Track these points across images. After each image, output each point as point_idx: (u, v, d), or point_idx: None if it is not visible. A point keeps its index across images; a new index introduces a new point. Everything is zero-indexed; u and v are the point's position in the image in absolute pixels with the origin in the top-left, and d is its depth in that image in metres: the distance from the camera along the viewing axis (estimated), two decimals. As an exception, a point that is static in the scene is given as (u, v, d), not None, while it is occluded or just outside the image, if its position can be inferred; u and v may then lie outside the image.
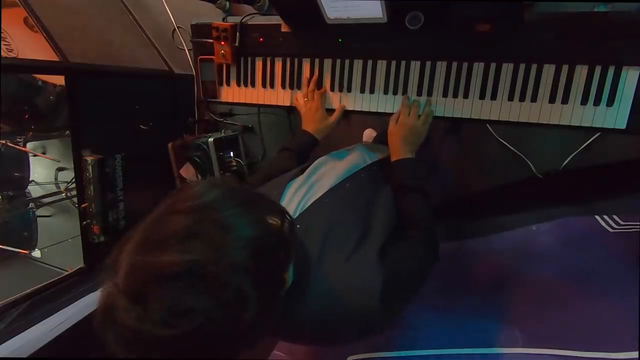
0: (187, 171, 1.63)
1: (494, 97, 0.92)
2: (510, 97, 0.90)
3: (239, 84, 1.18)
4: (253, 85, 1.16)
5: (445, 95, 0.95)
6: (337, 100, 1.06)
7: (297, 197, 0.72)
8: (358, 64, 1.03)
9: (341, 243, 0.63)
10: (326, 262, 0.61)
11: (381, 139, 1.29)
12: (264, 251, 0.43)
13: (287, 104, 1.13)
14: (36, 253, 1.72)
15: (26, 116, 1.68)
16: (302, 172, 0.82)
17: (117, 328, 0.39)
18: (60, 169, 1.81)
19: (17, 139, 1.77)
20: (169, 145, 1.61)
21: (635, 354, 0.81)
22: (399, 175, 0.86)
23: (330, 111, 1.04)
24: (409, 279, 0.66)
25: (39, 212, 1.81)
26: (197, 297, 0.38)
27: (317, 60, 1.06)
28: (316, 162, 0.84)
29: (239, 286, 0.40)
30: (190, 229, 0.40)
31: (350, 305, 0.59)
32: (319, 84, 1.07)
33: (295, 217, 0.68)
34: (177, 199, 0.44)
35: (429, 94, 0.96)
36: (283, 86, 1.12)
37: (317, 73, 1.06)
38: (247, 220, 0.43)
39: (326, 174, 0.79)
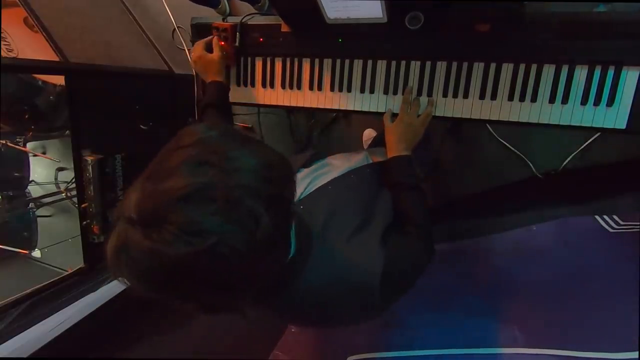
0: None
1: (494, 97, 0.92)
2: (510, 97, 0.90)
3: (239, 84, 1.18)
4: (253, 85, 1.16)
5: (445, 95, 0.95)
6: (338, 100, 1.06)
7: (303, 184, 0.74)
8: (358, 64, 1.03)
9: (344, 225, 0.64)
10: (328, 240, 0.62)
11: (381, 139, 1.30)
12: (272, 179, 0.44)
13: (287, 104, 1.13)
14: (36, 253, 1.72)
15: (26, 116, 1.68)
16: (308, 165, 0.84)
17: (132, 258, 0.39)
18: (60, 169, 1.81)
19: (17, 139, 1.77)
20: (169, 145, 1.61)
21: (635, 354, 0.81)
22: (394, 173, 0.86)
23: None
24: (406, 269, 0.67)
25: (39, 212, 1.81)
26: (209, 216, 0.38)
27: (317, 60, 1.06)
28: (322, 161, 0.86)
29: (250, 206, 0.40)
30: (198, 158, 0.41)
31: (350, 282, 0.60)
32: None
33: (299, 199, 0.70)
34: (180, 137, 0.45)
35: (429, 94, 0.96)
36: (283, 86, 1.12)
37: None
38: (253, 152, 0.44)
39: (331, 168, 0.81)
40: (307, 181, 0.75)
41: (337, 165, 0.84)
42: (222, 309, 0.46)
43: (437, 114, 0.96)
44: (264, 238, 0.41)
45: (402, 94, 0.97)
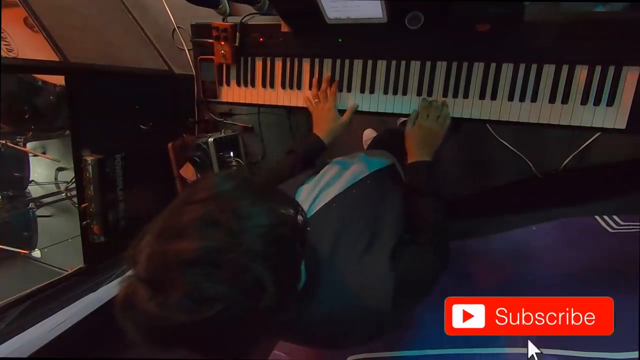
0: (187, 171, 1.63)
1: (494, 97, 0.92)
2: (510, 97, 0.90)
3: (239, 84, 1.18)
4: (253, 85, 1.16)
5: (445, 95, 0.95)
6: (339, 100, 1.06)
7: (307, 202, 0.72)
8: (358, 64, 1.03)
9: (352, 245, 0.64)
10: (338, 263, 0.61)
11: (380, 139, 1.29)
12: (280, 240, 0.44)
13: (287, 104, 1.13)
14: (36, 253, 1.73)
15: (26, 116, 1.68)
16: (310, 176, 0.82)
17: (138, 317, 0.40)
18: (60, 169, 1.81)
19: (17, 139, 1.77)
20: (169, 145, 1.61)
21: (635, 354, 0.81)
22: (414, 178, 0.85)
23: (341, 111, 1.02)
24: (419, 284, 0.66)
25: (39, 212, 1.81)
26: (216, 283, 0.39)
27: (317, 60, 1.06)
28: (323, 169, 0.85)
29: (256, 273, 0.40)
30: (207, 217, 0.41)
31: (362, 307, 0.59)
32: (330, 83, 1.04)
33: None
34: (194, 190, 0.45)
35: (429, 94, 0.96)
36: (283, 86, 1.12)
37: (328, 73, 1.04)
38: (263, 209, 0.44)
39: (332, 181, 0.80)
40: (310, 199, 0.74)
41: (336, 176, 0.82)
42: None
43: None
44: (269, 304, 0.41)
45: (402, 95, 0.96)
